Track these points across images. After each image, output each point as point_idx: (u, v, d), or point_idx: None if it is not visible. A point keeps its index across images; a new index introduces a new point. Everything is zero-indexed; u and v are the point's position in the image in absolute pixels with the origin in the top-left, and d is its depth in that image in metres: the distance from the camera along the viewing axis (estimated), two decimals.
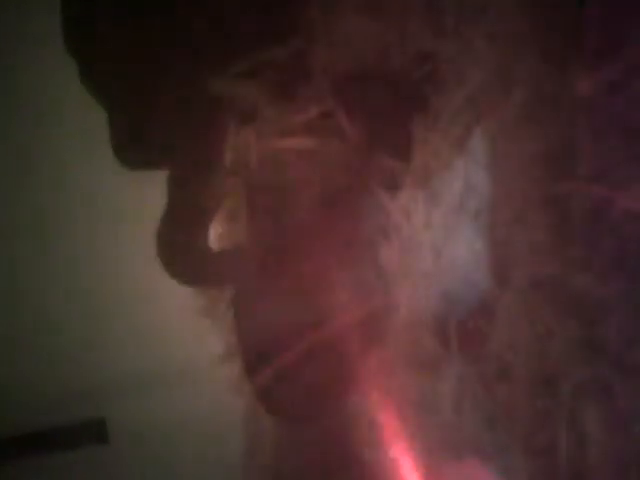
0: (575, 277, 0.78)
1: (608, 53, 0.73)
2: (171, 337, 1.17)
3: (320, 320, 0.94)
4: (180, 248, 0.94)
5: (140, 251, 1.15)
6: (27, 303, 1.21)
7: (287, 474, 1.06)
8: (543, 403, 0.82)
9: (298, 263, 0.94)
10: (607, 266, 0.77)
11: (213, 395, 1.11)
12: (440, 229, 0.85)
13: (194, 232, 0.94)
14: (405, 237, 0.88)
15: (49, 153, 1.16)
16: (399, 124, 0.86)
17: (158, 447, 1.15)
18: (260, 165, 0.91)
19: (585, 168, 0.75)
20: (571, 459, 0.80)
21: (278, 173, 0.92)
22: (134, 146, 0.98)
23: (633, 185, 0.73)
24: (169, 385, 1.15)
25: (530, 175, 0.79)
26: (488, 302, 0.83)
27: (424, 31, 0.85)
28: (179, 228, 0.94)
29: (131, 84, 0.97)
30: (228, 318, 1.11)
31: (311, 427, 0.95)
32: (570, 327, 0.79)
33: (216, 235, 0.96)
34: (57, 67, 1.06)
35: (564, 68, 0.76)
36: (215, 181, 0.94)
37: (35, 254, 1.22)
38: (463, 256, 0.84)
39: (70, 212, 1.20)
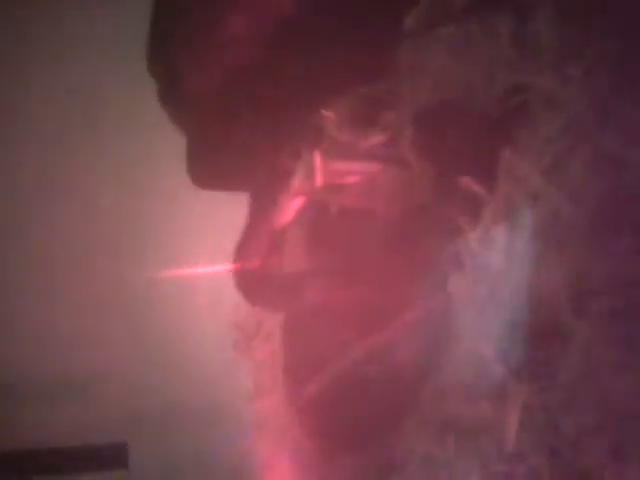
0: None
1: None
2: (203, 371, 1.15)
3: (379, 344, 0.92)
4: (254, 271, 0.93)
5: (172, 282, 1.14)
6: (62, 330, 1.18)
7: None
8: (611, 440, 0.80)
9: (361, 288, 0.93)
10: None
11: (239, 432, 1.08)
12: (520, 258, 0.85)
13: (267, 255, 0.94)
14: (480, 265, 0.88)
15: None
16: (485, 152, 0.88)
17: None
18: (327, 187, 0.92)
19: None
20: None
21: (345, 196, 0.92)
22: (209, 166, 0.99)
23: None
24: (195, 418, 1.12)
25: (613, 201, 0.81)
26: (563, 331, 0.83)
27: (518, 66, 0.88)
28: (253, 250, 0.94)
29: (214, 110, 0.99)
30: (261, 355, 1.09)
31: (362, 455, 0.92)
32: None
33: (287, 258, 0.96)
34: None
35: None
36: (283, 202, 0.94)
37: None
38: (541, 285, 0.84)
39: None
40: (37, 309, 1.18)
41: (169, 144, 1.00)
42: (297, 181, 0.93)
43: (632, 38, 0.82)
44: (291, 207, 0.93)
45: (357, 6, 0.97)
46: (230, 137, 0.98)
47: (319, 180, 0.92)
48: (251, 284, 0.93)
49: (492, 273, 0.87)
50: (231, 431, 1.10)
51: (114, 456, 1.08)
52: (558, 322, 0.84)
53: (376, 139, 0.91)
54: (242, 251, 0.93)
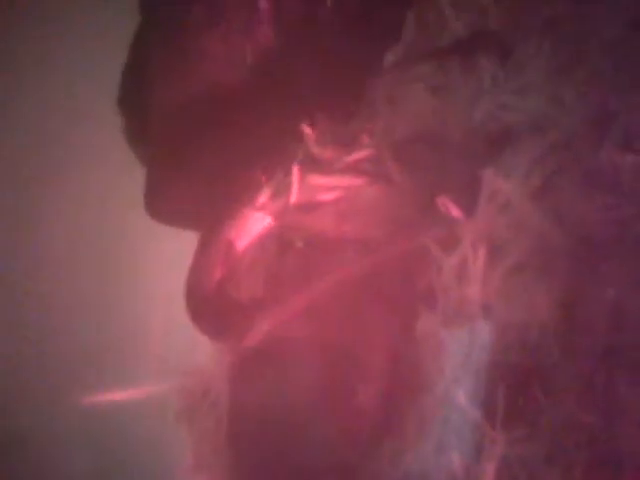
0: None
1: None
2: (141, 439, 1.02)
3: (338, 393, 0.82)
4: (208, 296, 0.84)
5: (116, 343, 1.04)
6: None
7: None
8: None
9: (323, 327, 0.83)
10: None
11: None
12: (498, 288, 0.76)
13: (222, 277, 0.85)
14: (453, 299, 0.78)
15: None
16: (464, 174, 0.80)
17: None
18: (299, 206, 0.84)
19: None
20: None
21: (316, 217, 0.84)
22: (166, 201, 0.92)
23: None
24: None
25: (603, 226, 0.72)
26: (548, 371, 0.72)
27: (503, 90, 0.82)
28: (207, 275, 0.85)
29: (179, 140, 0.93)
30: (205, 427, 0.98)
31: None
32: None
33: (246, 284, 0.86)
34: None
35: None
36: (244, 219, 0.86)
37: None
38: (522, 318, 0.74)
39: None
40: None
41: None
42: (263, 198, 0.84)
43: (623, 56, 0.76)
44: (252, 226, 0.84)
45: (338, 37, 0.92)
46: (196, 169, 0.92)
47: (293, 197, 0.84)
48: (202, 307, 0.83)
49: (468, 309, 0.77)
50: None
51: None
52: (543, 363, 0.73)
53: (359, 154, 0.83)
54: (195, 270, 0.83)
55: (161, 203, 0.93)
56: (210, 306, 0.83)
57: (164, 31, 0.96)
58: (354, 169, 0.83)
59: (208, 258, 0.84)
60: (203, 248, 0.85)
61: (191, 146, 0.92)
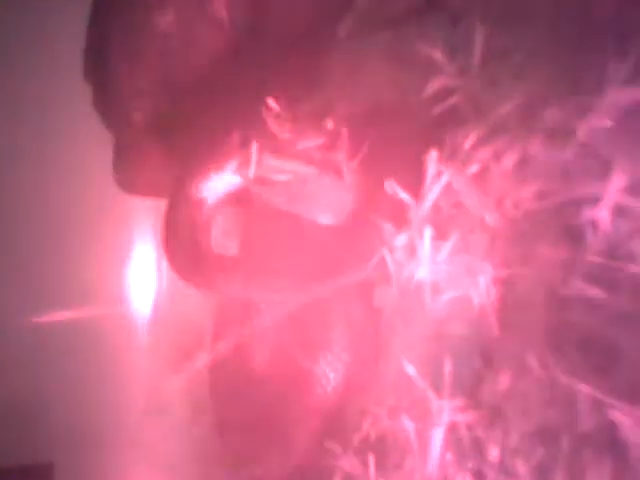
0: (587, 317, 0.74)
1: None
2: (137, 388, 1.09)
3: (298, 363, 0.88)
4: (183, 244, 0.89)
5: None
6: None
7: None
8: (540, 458, 0.75)
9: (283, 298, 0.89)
10: (623, 308, 0.73)
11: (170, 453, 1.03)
12: (445, 267, 0.81)
13: (197, 230, 0.90)
14: (406, 276, 0.84)
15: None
16: (411, 158, 0.84)
17: None
18: (260, 180, 0.89)
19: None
20: None
21: (272, 191, 0.89)
22: (132, 174, 0.97)
23: None
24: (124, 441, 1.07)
25: (537, 209, 0.77)
26: (488, 345, 0.78)
27: (448, 70, 0.84)
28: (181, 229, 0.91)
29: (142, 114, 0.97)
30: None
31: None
32: (578, 372, 0.74)
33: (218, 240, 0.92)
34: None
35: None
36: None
37: None
38: (466, 296, 0.80)
39: None
40: None
41: None
42: (232, 166, 0.89)
43: (564, 39, 0.79)
44: (221, 187, 0.89)
45: (288, 10, 0.95)
46: (163, 139, 0.96)
47: (252, 172, 0.89)
48: (182, 261, 0.89)
49: (417, 284, 0.83)
50: (161, 452, 1.05)
51: (40, 477, 1.04)
52: (483, 336, 0.79)
53: (314, 141, 0.87)
54: (168, 227, 0.89)
55: (128, 172, 0.98)
56: (188, 258, 0.89)
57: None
58: (306, 157, 0.87)
59: (180, 214, 0.89)
60: (174, 203, 0.90)
61: (159, 118, 0.96)
